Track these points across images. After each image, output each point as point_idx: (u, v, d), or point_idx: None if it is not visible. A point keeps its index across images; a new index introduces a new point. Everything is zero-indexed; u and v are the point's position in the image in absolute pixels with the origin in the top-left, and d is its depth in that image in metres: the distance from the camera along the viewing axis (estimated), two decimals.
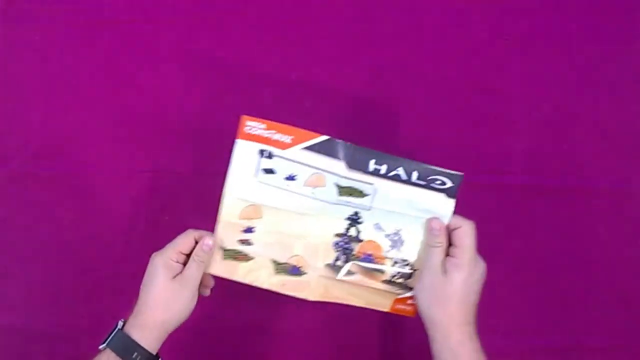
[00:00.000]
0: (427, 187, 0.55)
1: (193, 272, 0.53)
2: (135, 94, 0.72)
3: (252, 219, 0.56)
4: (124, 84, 0.72)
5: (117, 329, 0.51)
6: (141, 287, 0.53)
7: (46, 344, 0.68)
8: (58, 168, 0.71)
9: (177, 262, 0.54)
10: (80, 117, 0.71)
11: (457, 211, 0.54)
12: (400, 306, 0.58)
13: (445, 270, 0.52)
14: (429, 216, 0.55)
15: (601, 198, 0.71)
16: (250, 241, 0.57)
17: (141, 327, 0.50)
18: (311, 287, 0.57)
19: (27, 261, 0.70)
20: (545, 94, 0.72)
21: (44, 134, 0.71)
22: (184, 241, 0.54)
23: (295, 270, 0.57)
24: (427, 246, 0.54)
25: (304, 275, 0.57)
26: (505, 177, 0.71)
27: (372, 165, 0.54)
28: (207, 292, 0.58)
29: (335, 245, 0.56)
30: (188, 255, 0.54)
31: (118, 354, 0.49)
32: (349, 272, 0.56)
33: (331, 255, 0.56)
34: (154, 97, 0.72)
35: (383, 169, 0.54)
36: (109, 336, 0.51)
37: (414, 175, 0.54)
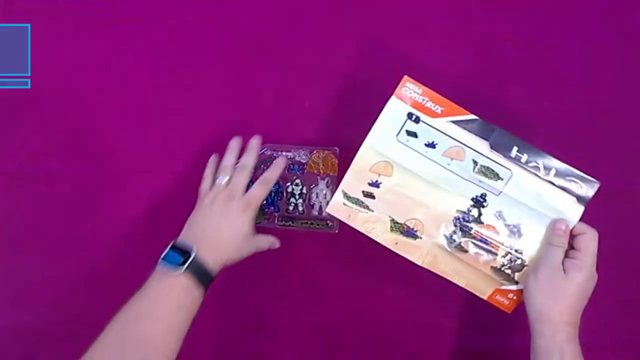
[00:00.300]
0: (560, 187, 0.56)
1: (263, 245, 0.62)
2: (134, 93, 0.71)
3: (381, 174, 0.59)
4: (123, 83, 0.71)
5: (194, 256, 0.54)
6: (221, 224, 0.57)
7: (52, 343, 0.69)
8: (58, 168, 0.70)
9: None
10: (80, 117, 0.71)
11: None
12: (500, 298, 0.58)
13: (565, 270, 0.53)
14: (554, 215, 0.56)
15: None
16: (373, 194, 0.59)
17: (215, 260, 0.56)
18: (422, 252, 0.58)
19: (29, 261, 0.70)
20: None
21: (44, 134, 0.71)
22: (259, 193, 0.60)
23: (411, 233, 0.58)
24: (547, 244, 0.55)
25: (418, 240, 0.58)
26: None
27: (514, 152, 0.56)
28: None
29: (454, 220, 0.58)
30: None
31: (196, 279, 0.53)
32: (462, 249, 0.58)
33: (449, 229, 0.58)
34: (153, 97, 0.71)
35: (523, 158, 0.56)
36: (183, 260, 0.53)
37: (552, 172, 0.56)
